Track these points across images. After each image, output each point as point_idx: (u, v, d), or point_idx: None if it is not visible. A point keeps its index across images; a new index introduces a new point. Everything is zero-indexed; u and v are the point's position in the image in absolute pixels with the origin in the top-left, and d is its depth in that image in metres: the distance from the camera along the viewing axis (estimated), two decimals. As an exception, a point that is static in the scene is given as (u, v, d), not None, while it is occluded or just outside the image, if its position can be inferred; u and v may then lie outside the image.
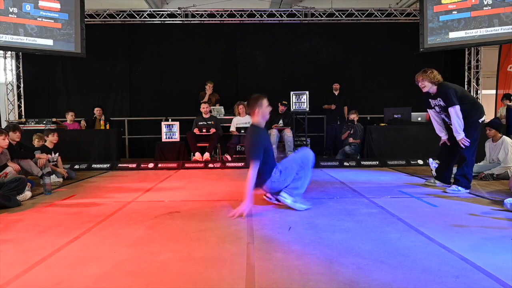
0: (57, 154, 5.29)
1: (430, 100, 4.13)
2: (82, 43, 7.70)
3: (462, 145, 3.89)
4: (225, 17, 8.96)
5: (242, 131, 6.87)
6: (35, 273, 1.98)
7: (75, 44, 7.66)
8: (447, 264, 2.00)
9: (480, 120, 3.96)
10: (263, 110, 3.28)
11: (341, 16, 8.97)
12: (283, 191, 3.30)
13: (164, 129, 7.24)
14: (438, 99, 3.99)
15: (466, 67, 9.16)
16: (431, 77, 3.96)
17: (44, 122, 6.88)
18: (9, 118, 8.74)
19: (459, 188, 3.93)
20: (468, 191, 3.94)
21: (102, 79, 9.05)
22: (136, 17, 8.91)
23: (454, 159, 4.20)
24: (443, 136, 4.22)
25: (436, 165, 4.50)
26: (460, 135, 3.87)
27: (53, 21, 7.45)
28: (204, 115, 7.17)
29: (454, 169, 4.21)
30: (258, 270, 1.96)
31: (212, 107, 7.51)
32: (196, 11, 8.95)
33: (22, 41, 7.22)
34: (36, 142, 5.22)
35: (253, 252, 2.22)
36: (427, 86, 4.01)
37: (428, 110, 4.28)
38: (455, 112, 3.85)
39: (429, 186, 4.38)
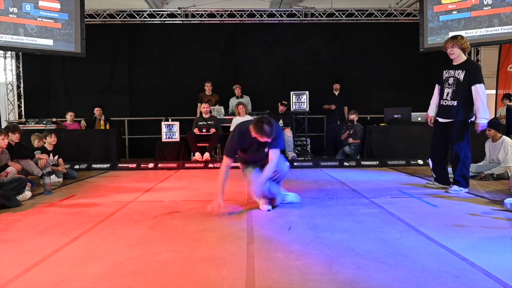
0: (56, 157, 5.28)
1: (444, 71, 3.94)
2: (82, 43, 7.71)
3: (478, 129, 3.78)
4: (225, 17, 8.96)
5: (242, 131, 6.84)
6: (35, 273, 1.98)
7: (75, 44, 7.67)
8: (447, 264, 2.00)
9: (470, 121, 3.92)
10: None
11: (341, 16, 8.97)
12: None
13: (164, 129, 7.24)
14: (460, 71, 3.80)
15: (466, 67, 9.15)
16: (461, 43, 3.78)
17: (44, 122, 6.88)
18: (9, 118, 8.74)
19: (461, 188, 3.91)
20: (467, 190, 3.95)
21: (102, 79, 9.04)
22: (136, 17, 8.90)
23: (446, 158, 4.15)
24: (431, 113, 4.16)
25: None
26: (484, 121, 3.72)
27: (53, 21, 7.46)
28: (204, 115, 7.17)
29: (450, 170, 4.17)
30: (258, 270, 1.96)
31: (212, 107, 7.51)
32: (196, 11, 8.95)
33: (22, 41, 7.23)
34: (36, 143, 5.22)
35: (253, 252, 2.22)
36: (456, 53, 3.82)
37: (436, 85, 4.10)
38: (482, 91, 3.69)
39: (428, 187, 4.35)
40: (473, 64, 3.84)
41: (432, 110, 4.17)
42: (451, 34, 7.42)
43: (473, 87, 3.73)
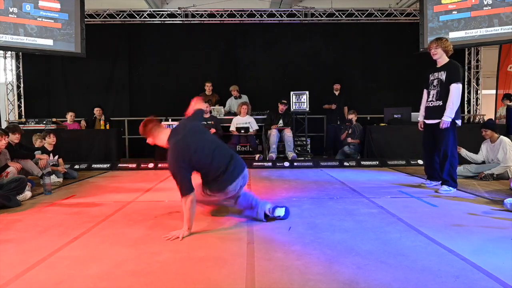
0: (56, 157, 5.28)
1: (430, 75, 4.09)
2: (82, 43, 7.71)
3: (441, 125, 3.84)
4: (225, 17, 8.96)
5: (242, 131, 6.88)
6: (35, 273, 1.98)
7: (75, 44, 7.67)
8: (447, 264, 2.00)
9: (458, 122, 3.92)
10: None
11: (341, 16, 8.97)
12: None
13: (164, 129, 7.22)
14: (442, 72, 3.95)
15: (466, 67, 9.15)
16: (445, 45, 3.96)
17: (44, 122, 6.87)
18: (9, 118, 8.74)
19: (450, 188, 3.95)
20: (455, 189, 3.97)
21: (102, 79, 9.04)
22: (136, 17, 8.90)
23: (435, 158, 4.17)
24: (422, 118, 4.25)
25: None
26: (449, 119, 3.81)
27: (53, 21, 7.46)
28: (204, 115, 7.16)
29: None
30: (258, 270, 1.96)
31: (212, 107, 7.51)
32: (196, 11, 8.95)
33: (22, 41, 7.23)
34: (38, 143, 5.22)
35: (253, 252, 2.22)
36: (439, 54, 3.98)
37: (424, 90, 4.22)
38: (458, 90, 3.81)
39: (422, 187, 4.33)
40: (453, 64, 3.95)
41: (422, 115, 4.26)
42: (451, 34, 7.45)
43: (450, 86, 3.85)
